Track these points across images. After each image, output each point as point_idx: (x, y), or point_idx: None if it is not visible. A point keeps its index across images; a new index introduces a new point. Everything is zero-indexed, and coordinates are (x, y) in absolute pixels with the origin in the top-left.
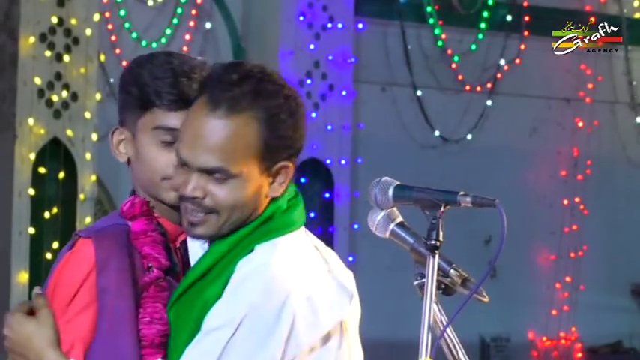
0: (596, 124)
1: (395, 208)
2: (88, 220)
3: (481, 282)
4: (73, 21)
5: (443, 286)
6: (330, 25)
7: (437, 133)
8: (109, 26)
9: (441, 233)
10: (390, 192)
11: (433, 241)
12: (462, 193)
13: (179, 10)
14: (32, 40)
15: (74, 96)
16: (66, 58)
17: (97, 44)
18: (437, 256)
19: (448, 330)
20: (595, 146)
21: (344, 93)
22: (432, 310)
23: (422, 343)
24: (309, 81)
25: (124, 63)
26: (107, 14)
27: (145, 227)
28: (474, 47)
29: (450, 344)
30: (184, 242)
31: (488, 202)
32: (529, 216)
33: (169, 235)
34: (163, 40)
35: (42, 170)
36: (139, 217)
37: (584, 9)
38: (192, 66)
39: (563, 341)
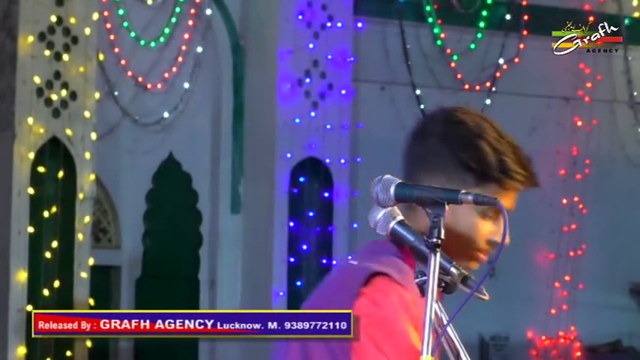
0: (596, 123)
1: (396, 206)
2: (87, 219)
3: (482, 281)
4: (72, 20)
5: (443, 284)
6: (329, 24)
7: None
8: (108, 25)
9: (442, 231)
10: (392, 190)
11: (435, 239)
12: (463, 191)
13: (178, 9)
14: (31, 39)
15: (73, 95)
16: (65, 57)
17: (95, 43)
18: (438, 254)
19: (449, 329)
20: (594, 145)
21: (343, 92)
22: (433, 309)
23: (423, 341)
24: (308, 80)
25: (123, 62)
26: (106, 13)
27: None
28: (473, 46)
29: (451, 343)
30: None
31: (490, 200)
32: (528, 215)
33: None
34: (162, 40)
35: (41, 169)
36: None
37: (584, 8)
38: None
39: (562, 340)
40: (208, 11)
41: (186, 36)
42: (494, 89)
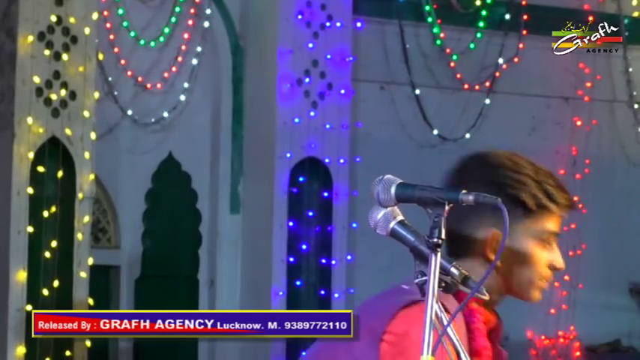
0: (595, 123)
1: (396, 206)
2: (86, 219)
3: (483, 281)
4: (72, 20)
5: (443, 285)
6: (328, 24)
7: (435, 132)
8: (107, 25)
9: (443, 231)
10: (393, 190)
11: (435, 239)
12: (464, 191)
13: (177, 9)
14: (31, 38)
15: (72, 95)
16: (64, 56)
17: (95, 43)
18: (439, 254)
19: (449, 329)
20: (594, 145)
21: (342, 92)
22: (434, 309)
23: (424, 341)
24: (307, 80)
25: (123, 62)
26: (105, 13)
27: (477, 308)
28: (472, 46)
29: (451, 343)
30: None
31: (491, 200)
32: None
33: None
34: (162, 39)
35: (40, 169)
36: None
37: (583, 8)
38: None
39: (561, 340)
40: (208, 11)
41: (185, 36)
42: (493, 89)
